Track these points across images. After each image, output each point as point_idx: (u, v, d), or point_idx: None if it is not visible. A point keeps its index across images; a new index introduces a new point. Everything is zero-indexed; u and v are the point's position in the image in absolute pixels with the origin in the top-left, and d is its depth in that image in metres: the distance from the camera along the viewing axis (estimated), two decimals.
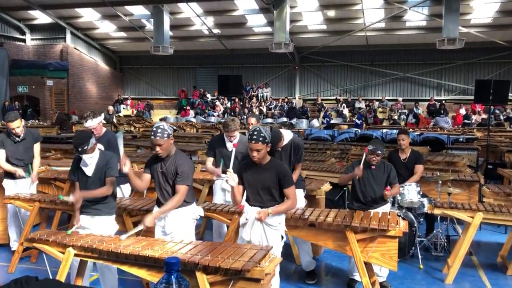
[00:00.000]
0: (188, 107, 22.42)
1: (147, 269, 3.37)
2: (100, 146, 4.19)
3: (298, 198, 4.85)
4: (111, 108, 18.03)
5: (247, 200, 3.82)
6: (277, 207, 3.66)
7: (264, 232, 3.69)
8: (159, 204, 3.91)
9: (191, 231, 3.92)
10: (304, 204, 4.96)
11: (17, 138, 5.36)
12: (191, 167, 3.87)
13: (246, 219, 3.74)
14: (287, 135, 4.77)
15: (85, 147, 3.91)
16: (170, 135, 3.77)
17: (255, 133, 3.58)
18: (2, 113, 19.39)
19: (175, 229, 3.82)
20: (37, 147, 5.55)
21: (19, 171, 5.34)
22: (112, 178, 4.03)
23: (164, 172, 3.82)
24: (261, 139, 3.56)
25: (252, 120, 5.44)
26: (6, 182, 5.48)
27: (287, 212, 4.24)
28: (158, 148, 3.73)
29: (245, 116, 20.54)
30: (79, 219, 4.05)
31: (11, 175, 5.43)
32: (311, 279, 4.86)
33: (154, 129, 3.75)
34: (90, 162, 4.00)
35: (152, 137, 3.73)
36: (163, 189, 3.86)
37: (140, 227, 3.75)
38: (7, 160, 5.39)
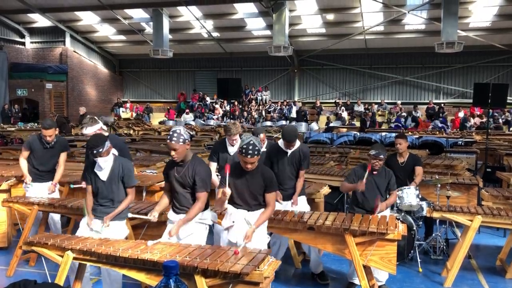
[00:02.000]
0: (186, 110, 22.39)
1: (146, 273, 3.36)
2: (114, 151, 4.19)
3: (304, 205, 4.92)
4: (82, 109, 17.60)
5: (231, 202, 3.84)
6: (258, 220, 3.72)
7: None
8: (175, 209, 3.88)
9: (203, 238, 3.89)
10: (308, 209, 4.99)
11: (47, 144, 5.41)
12: (208, 172, 3.87)
13: (233, 222, 3.75)
14: (296, 142, 4.88)
15: (100, 150, 3.94)
16: (187, 140, 3.75)
17: (251, 147, 3.62)
18: (1, 116, 19.40)
19: (188, 235, 3.79)
20: (63, 156, 5.60)
21: (27, 179, 5.36)
22: (133, 189, 4.12)
23: (180, 178, 3.79)
24: (256, 152, 3.63)
25: (261, 136, 5.46)
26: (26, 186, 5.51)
27: (286, 215, 4.26)
28: (173, 152, 3.72)
29: (244, 119, 20.56)
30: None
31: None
32: (325, 280, 4.88)
33: (171, 133, 3.75)
34: (105, 166, 4.01)
35: (168, 140, 3.73)
36: (180, 195, 3.83)
37: (165, 238, 3.75)
38: (32, 165, 5.42)
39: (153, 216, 3.83)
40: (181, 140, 3.71)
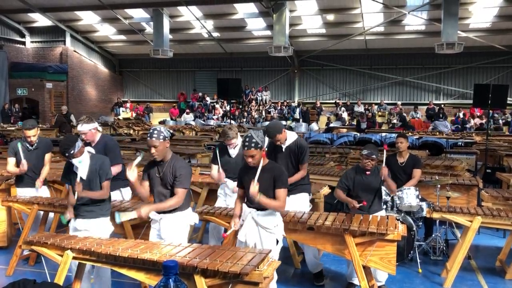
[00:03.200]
0: (186, 110, 22.39)
1: (146, 272, 3.36)
2: (89, 149, 4.18)
3: (303, 202, 4.91)
4: (64, 108, 17.45)
5: (246, 202, 3.84)
6: (267, 199, 3.64)
7: (259, 235, 3.70)
8: None
9: (184, 237, 3.91)
10: (309, 208, 4.98)
11: (30, 147, 5.37)
12: (188, 170, 3.87)
13: (243, 220, 3.75)
14: (291, 136, 4.88)
15: (72, 151, 3.92)
16: (166, 138, 3.78)
17: (247, 139, 3.65)
18: (1, 115, 19.41)
19: (170, 234, 3.81)
20: (48, 156, 5.58)
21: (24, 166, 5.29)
22: (108, 182, 4.07)
23: (161, 177, 3.81)
24: (253, 145, 3.62)
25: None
26: (19, 191, 5.48)
27: (286, 215, 4.26)
28: (153, 150, 3.74)
29: (244, 120, 20.57)
30: (73, 213, 4.09)
31: (20, 184, 5.45)
32: (320, 281, 4.86)
33: (151, 130, 3.79)
34: (81, 166, 4.00)
35: (148, 138, 3.77)
36: (160, 194, 3.85)
37: (133, 215, 3.72)
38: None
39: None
40: (161, 137, 3.72)
